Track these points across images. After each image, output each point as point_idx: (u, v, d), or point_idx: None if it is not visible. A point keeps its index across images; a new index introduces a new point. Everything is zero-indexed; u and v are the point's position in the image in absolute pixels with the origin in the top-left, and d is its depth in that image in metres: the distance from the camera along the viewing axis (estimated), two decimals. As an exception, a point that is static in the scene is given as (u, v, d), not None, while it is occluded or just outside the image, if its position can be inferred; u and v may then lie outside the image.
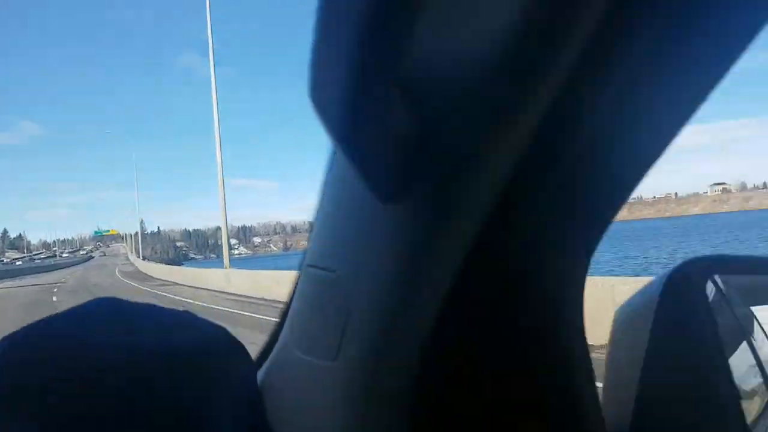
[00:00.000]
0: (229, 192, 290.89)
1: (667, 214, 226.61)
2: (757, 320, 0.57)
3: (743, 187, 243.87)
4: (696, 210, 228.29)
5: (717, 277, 0.57)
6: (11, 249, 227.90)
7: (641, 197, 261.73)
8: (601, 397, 0.46)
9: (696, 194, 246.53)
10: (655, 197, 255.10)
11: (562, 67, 0.31)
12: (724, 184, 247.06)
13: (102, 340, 0.39)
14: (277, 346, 0.47)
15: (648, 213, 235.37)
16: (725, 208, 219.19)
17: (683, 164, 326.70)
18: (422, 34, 0.31)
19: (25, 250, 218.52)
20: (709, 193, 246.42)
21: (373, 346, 0.39)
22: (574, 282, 0.46)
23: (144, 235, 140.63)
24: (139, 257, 68.13)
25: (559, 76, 0.32)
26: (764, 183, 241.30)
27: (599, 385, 0.50)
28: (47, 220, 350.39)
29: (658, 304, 0.49)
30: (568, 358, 0.44)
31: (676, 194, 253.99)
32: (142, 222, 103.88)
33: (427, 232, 0.35)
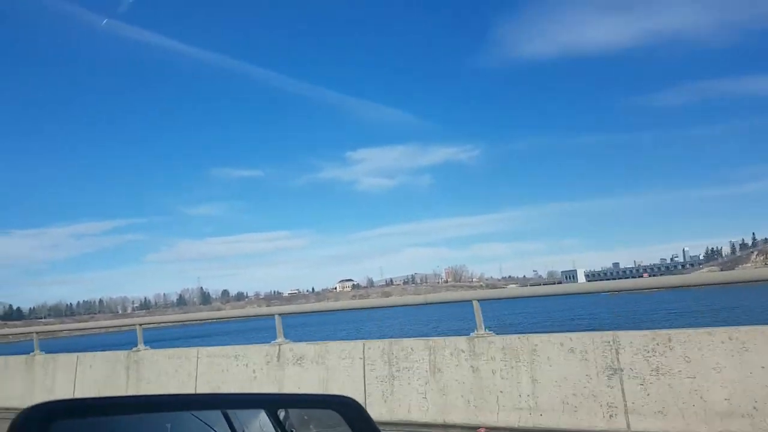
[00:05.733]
0: None
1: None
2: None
3: (370, 283, 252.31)
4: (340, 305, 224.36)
5: (58, 424, 0.54)
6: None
7: (277, 292, 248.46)
8: None
9: (327, 289, 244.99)
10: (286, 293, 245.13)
11: None
12: (351, 280, 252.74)
13: None
14: None
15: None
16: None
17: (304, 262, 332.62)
18: None
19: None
20: (339, 289, 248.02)
21: None
22: None
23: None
24: None
25: None
26: (391, 279, 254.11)
27: None
28: None
29: None
30: None
31: (313, 289, 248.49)
32: None
33: None
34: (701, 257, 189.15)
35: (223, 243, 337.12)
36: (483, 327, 6.40)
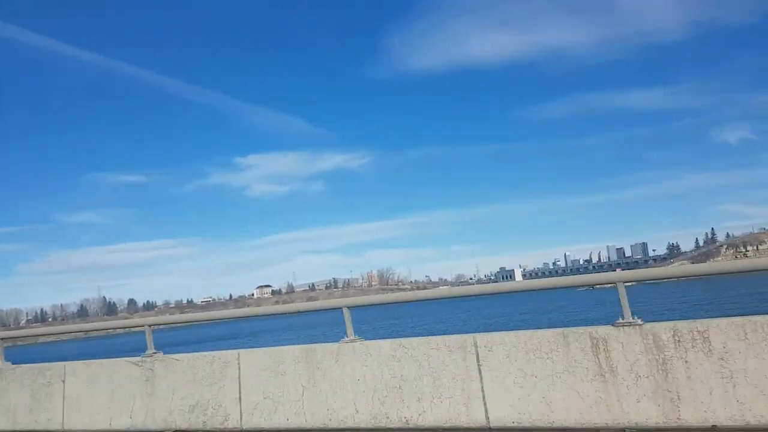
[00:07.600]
0: None
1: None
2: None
3: (291, 288, 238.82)
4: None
5: None
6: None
7: (190, 300, 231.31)
8: None
9: (245, 296, 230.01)
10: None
11: None
12: (269, 285, 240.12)
13: None
14: None
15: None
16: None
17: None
18: None
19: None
20: (257, 295, 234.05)
21: None
22: None
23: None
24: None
25: None
26: (313, 284, 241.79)
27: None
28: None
29: None
30: None
31: (231, 296, 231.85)
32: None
33: None
34: (581, 261, 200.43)
35: (106, 252, 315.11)
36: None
